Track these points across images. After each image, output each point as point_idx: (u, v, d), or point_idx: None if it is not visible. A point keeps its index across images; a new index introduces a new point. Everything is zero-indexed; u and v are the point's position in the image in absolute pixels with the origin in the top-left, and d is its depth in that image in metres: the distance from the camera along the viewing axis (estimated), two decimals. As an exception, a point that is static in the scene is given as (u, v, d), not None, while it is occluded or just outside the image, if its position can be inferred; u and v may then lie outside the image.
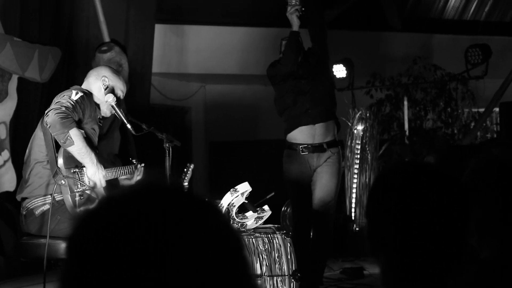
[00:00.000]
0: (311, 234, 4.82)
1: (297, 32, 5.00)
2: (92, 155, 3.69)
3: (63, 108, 3.54)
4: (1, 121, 5.47)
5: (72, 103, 3.61)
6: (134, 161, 4.17)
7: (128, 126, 3.98)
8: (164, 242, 0.81)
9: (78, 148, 3.60)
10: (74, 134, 3.55)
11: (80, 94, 3.72)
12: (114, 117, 4.10)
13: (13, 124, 5.59)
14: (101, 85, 3.95)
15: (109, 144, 6.45)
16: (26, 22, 5.63)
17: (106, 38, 6.37)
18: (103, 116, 4.04)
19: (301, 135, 4.96)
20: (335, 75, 7.74)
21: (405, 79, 8.25)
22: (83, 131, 3.67)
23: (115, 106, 3.94)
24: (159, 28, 7.58)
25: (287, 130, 5.03)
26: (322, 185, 4.88)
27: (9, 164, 5.47)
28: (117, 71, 4.19)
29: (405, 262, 1.38)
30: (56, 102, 3.62)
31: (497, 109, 7.44)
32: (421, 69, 8.26)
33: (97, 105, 3.96)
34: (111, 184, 3.91)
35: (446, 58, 8.52)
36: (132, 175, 4.13)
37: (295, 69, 4.98)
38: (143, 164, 4.18)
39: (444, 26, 9.43)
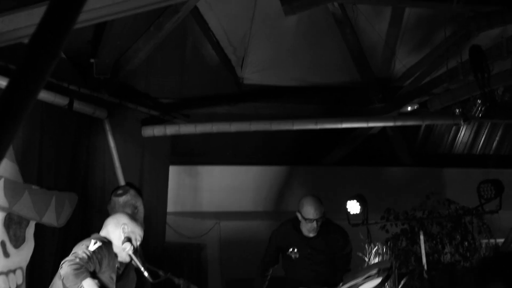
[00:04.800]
0: None
1: None
2: None
3: (77, 260, 3.55)
4: (18, 267, 5.46)
5: (88, 254, 3.63)
6: None
7: (145, 274, 3.98)
8: None
9: None
10: (88, 284, 3.55)
11: (98, 244, 3.74)
12: (130, 258, 4.11)
13: (29, 268, 5.58)
14: (121, 233, 3.99)
15: (125, 286, 6.40)
16: (44, 170, 5.76)
17: (122, 182, 6.48)
18: (120, 262, 4.05)
19: None
20: (349, 212, 7.74)
21: (419, 213, 8.23)
22: (96, 280, 3.66)
23: (132, 255, 3.95)
24: (173, 169, 7.73)
25: None
26: None
27: (24, 312, 5.41)
28: (134, 218, 4.24)
29: None
30: (73, 253, 3.64)
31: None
32: (435, 203, 8.26)
33: (115, 254, 3.97)
34: None
35: (458, 191, 8.54)
36: None
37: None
38: None
39: (455, 160, 9.53)
